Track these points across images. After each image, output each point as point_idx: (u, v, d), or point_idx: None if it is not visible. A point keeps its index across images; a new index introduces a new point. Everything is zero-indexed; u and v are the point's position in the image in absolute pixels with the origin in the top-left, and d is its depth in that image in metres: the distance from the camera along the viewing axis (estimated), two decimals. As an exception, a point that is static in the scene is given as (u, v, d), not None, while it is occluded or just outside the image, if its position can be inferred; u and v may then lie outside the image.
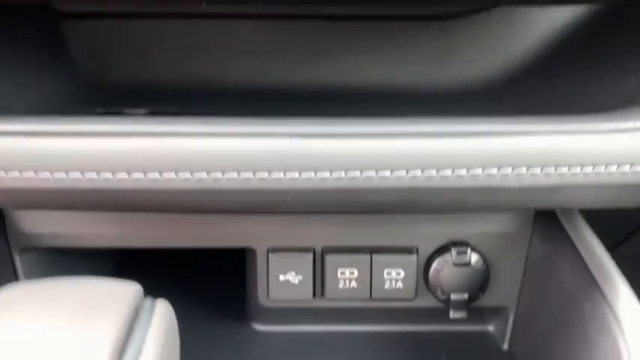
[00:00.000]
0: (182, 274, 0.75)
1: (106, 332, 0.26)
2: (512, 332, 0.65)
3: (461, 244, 0.62)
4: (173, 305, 0.69)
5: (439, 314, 0.65)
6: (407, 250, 0.62)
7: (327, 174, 0.41)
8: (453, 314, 0.62)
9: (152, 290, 0.73)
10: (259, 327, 0.68)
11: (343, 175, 0.41)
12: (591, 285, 0.51)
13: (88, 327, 0.26)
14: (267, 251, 0.62)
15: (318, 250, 0.62)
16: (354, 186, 0.41)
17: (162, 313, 0.30)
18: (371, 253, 0.62)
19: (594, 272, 0.51)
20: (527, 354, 0.62)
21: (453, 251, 0.61)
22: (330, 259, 0.62)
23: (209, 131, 0.41)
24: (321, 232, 0.62)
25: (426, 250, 0.62)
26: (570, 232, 0.56)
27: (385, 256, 0.62)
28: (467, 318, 0.64)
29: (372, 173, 0.41)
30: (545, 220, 0.60)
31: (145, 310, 0.29)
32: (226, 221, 0.61)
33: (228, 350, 0.64)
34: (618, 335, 0.47)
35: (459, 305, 0.62)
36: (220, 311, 0.70)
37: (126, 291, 0.29)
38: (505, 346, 0.66)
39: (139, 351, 0.27)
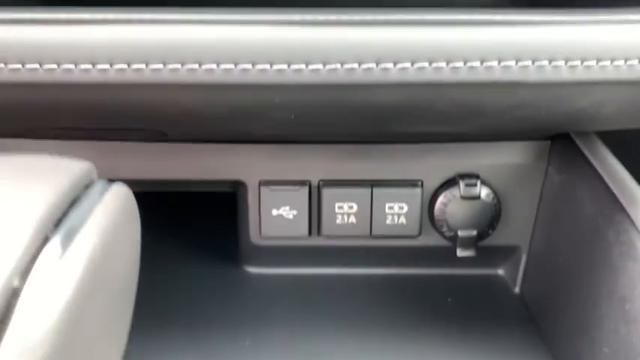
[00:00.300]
0: (174, 218, 0.70)
1: (41, 198, 0.21)
2: (525, 274, 0.60)
3: (470, 176, 0.56)
4: (166, 249, 0.67)
5: (445, 255, 0.60)
6: (411, 184, 0.57)
7: (319, 66, 0.36)
8: (460, 252, 0.57)
9: (144, 233, 0.70)
10: (252, 269, 0.63)
11: (339, 67, 0.36)
12: (616, 210, 0.46)
13: (20, 193, 0.21)
14: (259, 184, 0.57)
15: (315, 183, 0.57)
16: (351, 81, 0.36)
17: (117, 195, 0.25)
18: (371, 187, 0.57)
19: (619, 196, 0.46)
20: (540, 296, 0.57)
21: (462, 184, 0.56)
22: (327, 192, 0.57)
23: (185, 19, 0.36)
24: (317, 164, 0.57)
25: (432, 183, 0.57)
26: (590, 157, 0.50)
27: (387, 190, 0.57)
28: (475, 260, 0.59)
29: (372, 65, 0.35)
30: (563, 148, 0.54)
31: (96, 189, 0.24)
32: (215, 151, 0.57)
33: (219, 294, 0.60)
34: (647, 260, 0.42)
35: (467, 243, 0.57)
36: (212, 255, 0.65)
37: (73, 165, 0.24)
38: (516, 290, 0.61)
39: (80, 224, 0.22)
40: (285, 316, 0.57)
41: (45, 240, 0.21)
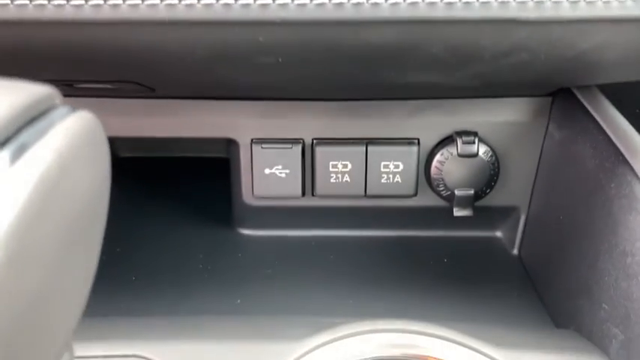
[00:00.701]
0: (170, 184, 0.69)
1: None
2: (523, 235, 0.59)
3: (468, 133, 0.55)
4: (162, 213, 0.66)
5: (442, 216, 0.59)
6: (407, 142, 0.55)
7: (306, 0, 0.34)
8: (457, 212, 0.56)
9: (138, 196, 0.69)
10: (245, 231, 0.62)
11: (327, 1, 0.34)
12: (618, 162, 0.44)
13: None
14: (251, 142, 0.56)
15: (308, 141, 0.56)
16: (339, 17, 0.34)
17: (81, 119, 0.23)
18: (366, 145, 0.55)
19: (621, 148, 0.44)
20: (538, 257, 0.56)
21: (459, 141, 0.54)
22: (320, 150, 0.55)
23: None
24: (310, 122, 0.55)
25: (429, 141, 0.56)
26: (592, 111, 0.49)
27: (382, 148, 0.55)
28: (473, 222, 0.58)
29: (362, -1, 0.33)
30: (564, 104, 0.53)
31: (58, 112, 0.23)
32: (206, 109, 0.55)
33: (213, 255, 0.59)
34: (649, 212, 0.40)
35: (464, 202, 0.56)
36: (207, 218, 0.64)
37: (35, 88, 0.23)
38: (514, 251, 0.59)
39: (34, 141, 0.20)
40: (278, 276, 0.56)
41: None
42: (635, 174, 0.42)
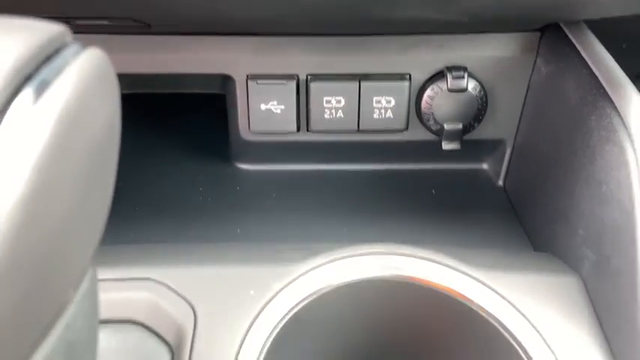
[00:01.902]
0: (169, 120, 0.71)
1: (13, 50, 0.21)
2: (508, 167, 0.61)
3: (458, 68, 0.56)
4: (161, 148, 0.68)
5: (432, 149, 0.61)
6: (399, 77, 0.57)
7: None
8: (445, 145, 0.58)
9: (137, 133, 0.71)
10: (242, 165, 0.65)
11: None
12: (599, 96, 0.46)
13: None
14: (247, 78, 0.57)
15: (302, 76, 0.57)
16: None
17: (93, 55, 0.24)
18: (359, 80, 0.57)
19: (603, 82, 0.46)
20: (522, 187, 0.59)
21: (449, 76, 0.56)
22: (315, 86, 0.57)
23: None
24: (305, 58, 0.57)
25: (420, 76, 0.57)
26: (579, 46, 0.50)
27: (375, 83, 0.57)
28: (461, 154, 0.60)
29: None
30: (552, 39, 0.54)
31: (70, 50, 0.24)
32: (202, 44, 0.56)
33: (212, 189, 0.61)
34: (625, 142, 0.43)
35: (453, 136, 0.58)
36: (205, 153, 0.66)
37: (47, 26, 0.24)
38: (500, 182, 0.62)
39: (53, 78, 0.22)
40: (275, 208, 0.59)
41: (17, 90, 0.21)
42: (615, 107, 0.44)
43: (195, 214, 0.58)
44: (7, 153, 0.19)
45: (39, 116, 0.21)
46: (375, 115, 0.58)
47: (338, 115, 0.58)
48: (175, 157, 0.66)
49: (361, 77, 0.57)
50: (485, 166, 0.64)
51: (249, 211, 0.58)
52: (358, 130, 0.59)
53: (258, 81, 0.57)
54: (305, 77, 0.57)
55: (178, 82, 0.66)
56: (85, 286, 0.24)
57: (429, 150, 0.62)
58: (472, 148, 0.61)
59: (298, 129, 0.59)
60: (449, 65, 0.57)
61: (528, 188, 0.58)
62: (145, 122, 0.70)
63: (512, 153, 0.61)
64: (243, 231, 0.55)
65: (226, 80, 0.59)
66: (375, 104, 0.57)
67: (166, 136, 0.69)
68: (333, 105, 0.58)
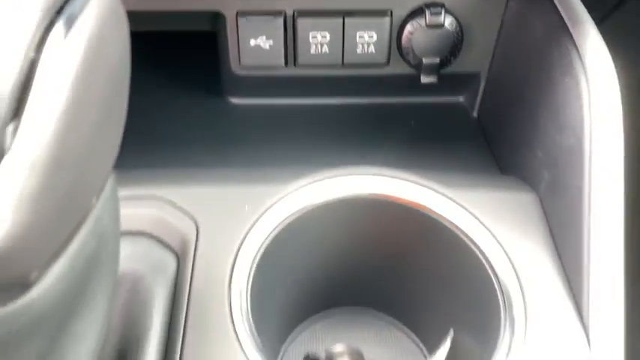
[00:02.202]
0: (162, 58, 0.74)
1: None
2: (482, 99, 0.66)
3: (436, 5, 0.60)
4: (155, 84, 0.71)
5: (411, 83, 0.65)
6: (380, 13, 0.60)
7: None
8: (424, 79, 0.62)
9: (133, 70, 0.73)
10: (234, 100, 0.68)
11: None
12: (562, 32, 0.50)
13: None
14: (236, 15, 0.60)
15: (289, 12, 0.60)
16: None
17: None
18: (343, 17, 0.60)
19: (566, 19, 0.50)
20: (493, 117, 0.64)
21: (427, 12, 0.59)
22: (301, 22, 0.60)
23: None
24: (292, -6, 0.60)
25: (400, 12, 0.61)
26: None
27: (358, 19, 0.60)
28: (439, 88, 0.64)
29: None
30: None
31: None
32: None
33: (203, 122, 0.66)
34: (580, 75, 0.47)
35: (430, 69, 0.62)
36: (198, 88, 0.70)
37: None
38: (474, 114, 0.67)
39: (78, 12, 0.26)
40: (265, 137, 0.64)
41: (51, 24, 0.25)
42: (574, 43, 0.49)
43: (190, 144, 0.62)
44: (51, 76, 0.24)
45: (70, 46, 0.25)
46: (359, 50, 0.62)
47: (323, 50, 0.62)
48: (167, 92, 0.70)
49: (345, 13, 0.60)
50: (461, 99, 0.69)
51: (241, 140, 0.63)
52: (343, 65, 0.63)
53: (248, 17, 0.60)
54: (292, 13, 0.60)
55: (172, 20, 0.68)
56: (107, 189, 0.29)
57: (409, 84, 0.66)
58: (449, 82, 0.65)
59: (286, 63, 0.63)
60: (427, 2, 0.60)
61: (499, 118, 0.62)
62: (140, 61, 0.73)
63: (485, 86, 0.65)
64: (235, 158, 0.60)
65: (217, 17, 0.62)
66: (358, 39, 0.61)
67: (162, 74, 0.72)
68: (318, 40, 0.61)
